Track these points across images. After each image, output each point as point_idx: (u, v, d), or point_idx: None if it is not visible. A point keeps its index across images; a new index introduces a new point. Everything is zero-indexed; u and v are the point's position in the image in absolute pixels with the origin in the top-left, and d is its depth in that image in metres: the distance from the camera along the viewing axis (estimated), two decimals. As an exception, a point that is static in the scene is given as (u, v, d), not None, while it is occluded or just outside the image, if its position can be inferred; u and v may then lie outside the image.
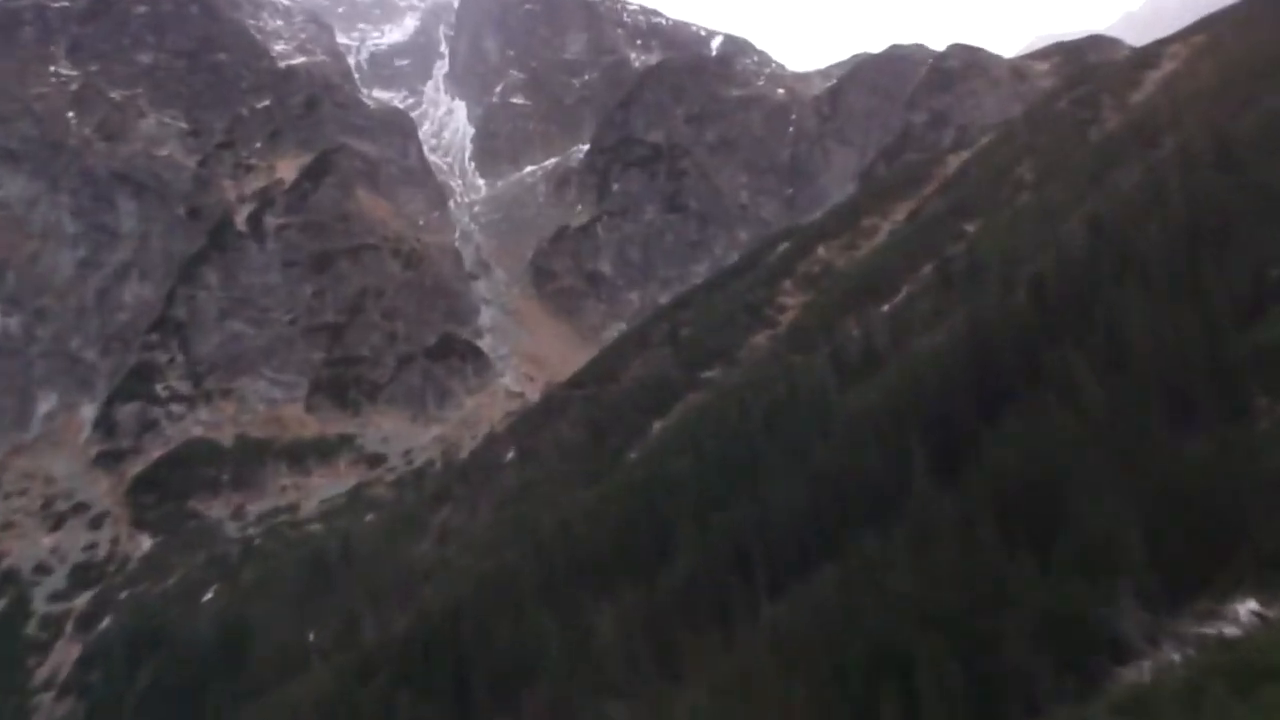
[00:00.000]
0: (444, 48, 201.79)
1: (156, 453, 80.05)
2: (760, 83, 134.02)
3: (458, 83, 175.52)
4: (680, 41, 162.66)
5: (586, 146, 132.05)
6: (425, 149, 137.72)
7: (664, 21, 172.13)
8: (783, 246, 71.67)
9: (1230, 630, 13.43)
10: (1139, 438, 18.88)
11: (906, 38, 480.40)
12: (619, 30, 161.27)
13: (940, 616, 16.23)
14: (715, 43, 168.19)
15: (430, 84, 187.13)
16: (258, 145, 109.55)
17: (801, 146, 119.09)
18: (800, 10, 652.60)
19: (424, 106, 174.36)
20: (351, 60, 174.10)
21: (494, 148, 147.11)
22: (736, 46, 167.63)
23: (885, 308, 47.04)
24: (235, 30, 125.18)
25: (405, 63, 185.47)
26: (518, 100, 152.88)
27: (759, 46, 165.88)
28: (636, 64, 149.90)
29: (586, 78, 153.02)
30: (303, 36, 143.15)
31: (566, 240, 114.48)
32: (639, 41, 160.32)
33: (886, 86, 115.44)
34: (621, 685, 22.22)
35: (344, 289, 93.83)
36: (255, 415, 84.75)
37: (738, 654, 20.36)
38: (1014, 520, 18.50)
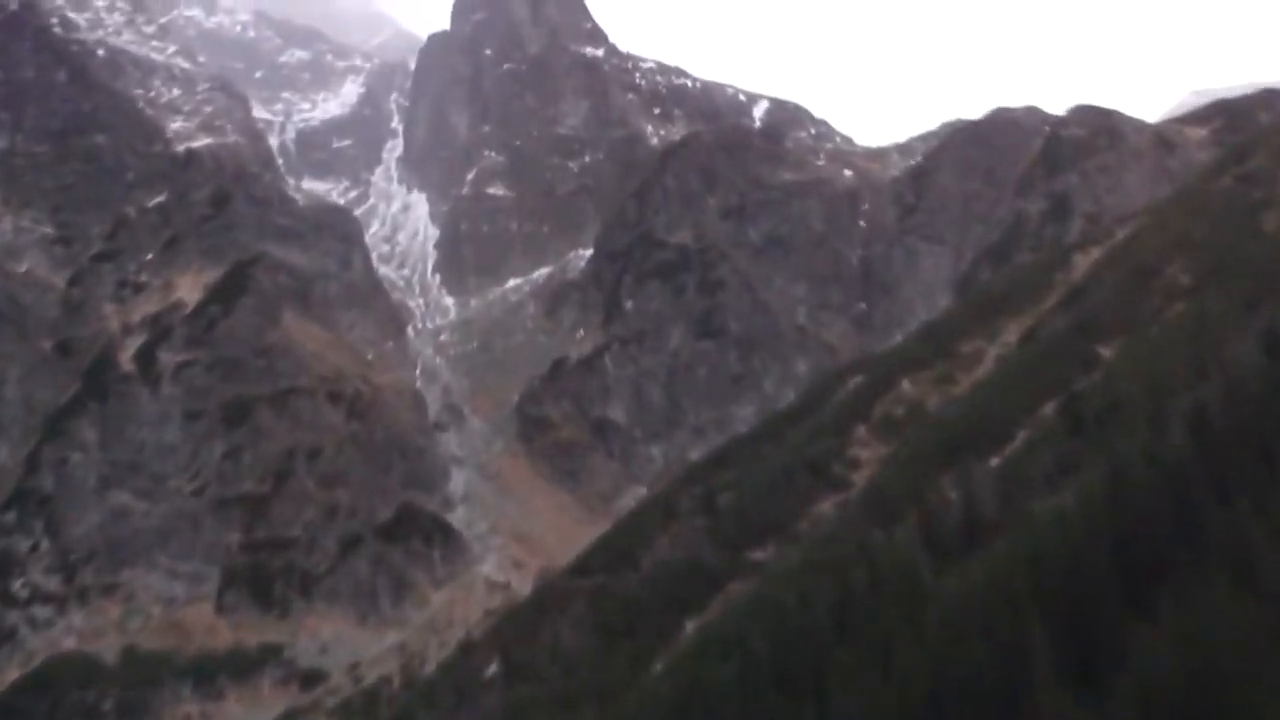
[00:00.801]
0: (397, 122, 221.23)
1: (14, 673, 79.81)
2: (820, 161, 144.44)
3: (416, 169, 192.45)
4: (713, 109, 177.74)
5: (589, 251, 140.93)
6: (374, 258, 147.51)
7: (690, 83, 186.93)
8: (854, 381, 74.62)
9: None
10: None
11: (1014, 98, 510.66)
12: (630, 95, 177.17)
13: None
14: (760, 109, 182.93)
15: (380, 171, 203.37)
16: (149, 257, 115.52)
17: (877, 247, 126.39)
18: (871, 65, 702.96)
19: (372, 201, 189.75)
20: (274, 141, 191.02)
21: (466, 255, 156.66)
22: (788, 114, 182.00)
23: (993, 461, 48.14)
24: (118, 103, 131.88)
25: (346, 143, 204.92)
26: (496, 191, 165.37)
27: (817, 114, 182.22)
28: (655, 140, 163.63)
29: (588, 159, 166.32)
30: (208, 110, 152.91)
31: (565, 377, 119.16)
32: (658, 110, 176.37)
33: (989, 164, 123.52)
34: None
35: (267, 448, 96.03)
36: (148, 620, 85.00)
37: None
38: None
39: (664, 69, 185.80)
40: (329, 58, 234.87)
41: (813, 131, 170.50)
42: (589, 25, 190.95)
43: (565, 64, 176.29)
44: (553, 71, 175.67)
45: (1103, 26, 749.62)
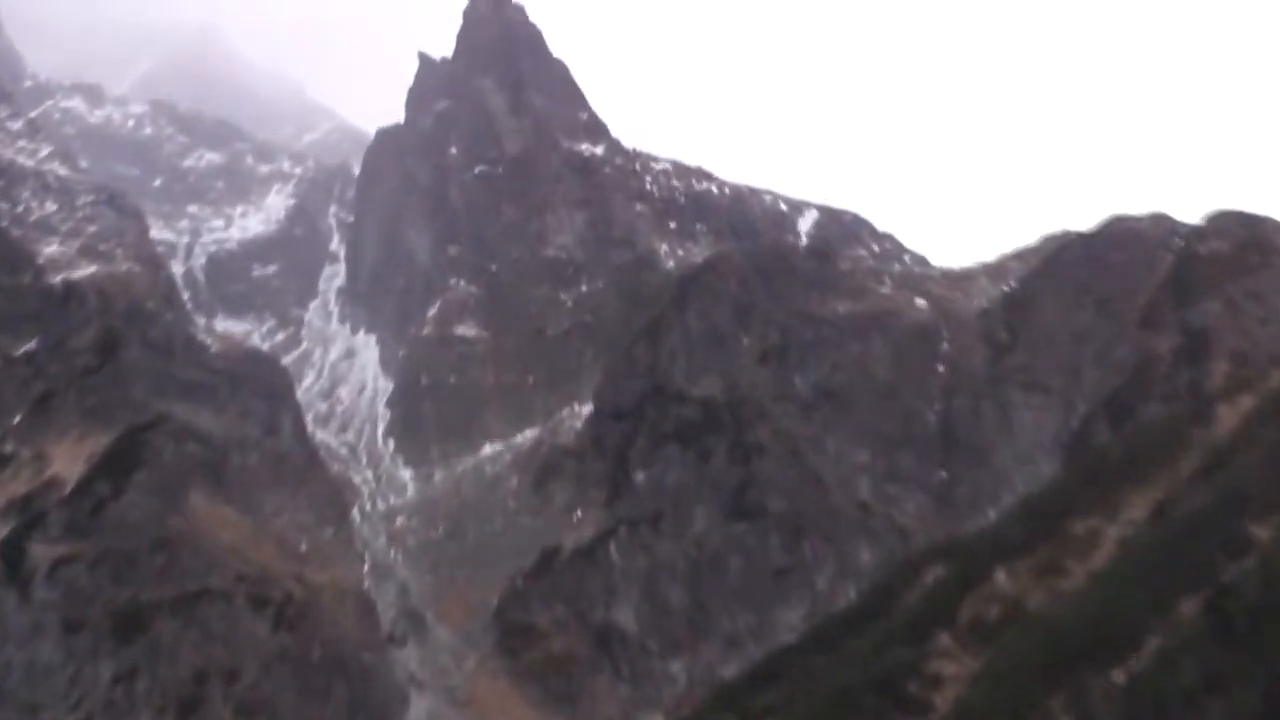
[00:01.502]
0: (337, 243, 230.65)
1: None
2: (886, 288, 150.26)
3: (363, 303, 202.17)
4: (746, 222, 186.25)
5: (588, 408, 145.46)
6: (309, 420, 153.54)
7: (715, 189, 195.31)
8: (934, 574, 76.25)
9: None
10: None
11: (1135, 203, 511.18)
12: (639, 206, 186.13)
13: None
14: (806, 221, 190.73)
15: (315, 307, 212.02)
16: (15, 421, 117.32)
17: (961, 399, 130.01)
18: (950, 163, 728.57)
19: (305, 346, 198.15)
20: (179, 269, 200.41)
21: (428, 415, 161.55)
22: (843, 227, 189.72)
23: (1117, 677, 50.19)
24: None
25: (271, 270, 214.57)
26: (467, 331, 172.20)
27: (881, 226, 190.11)
28: (671, 262, 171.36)
29: (585, 289, 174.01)
30: (92, 230, 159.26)
31: (557, 572, 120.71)
32: (675, 224, 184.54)
33: (1105, 289, 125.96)
34: None
35: (170, 670, 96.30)
36: None
37: None
38: None
39: (682, 171, 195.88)
40: (249, 160, 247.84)
41: (875, 249, 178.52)
42: (585, 116, 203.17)
43: (555, 166, 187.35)
44: (539, 175, 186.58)
45: (1246, 114, 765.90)
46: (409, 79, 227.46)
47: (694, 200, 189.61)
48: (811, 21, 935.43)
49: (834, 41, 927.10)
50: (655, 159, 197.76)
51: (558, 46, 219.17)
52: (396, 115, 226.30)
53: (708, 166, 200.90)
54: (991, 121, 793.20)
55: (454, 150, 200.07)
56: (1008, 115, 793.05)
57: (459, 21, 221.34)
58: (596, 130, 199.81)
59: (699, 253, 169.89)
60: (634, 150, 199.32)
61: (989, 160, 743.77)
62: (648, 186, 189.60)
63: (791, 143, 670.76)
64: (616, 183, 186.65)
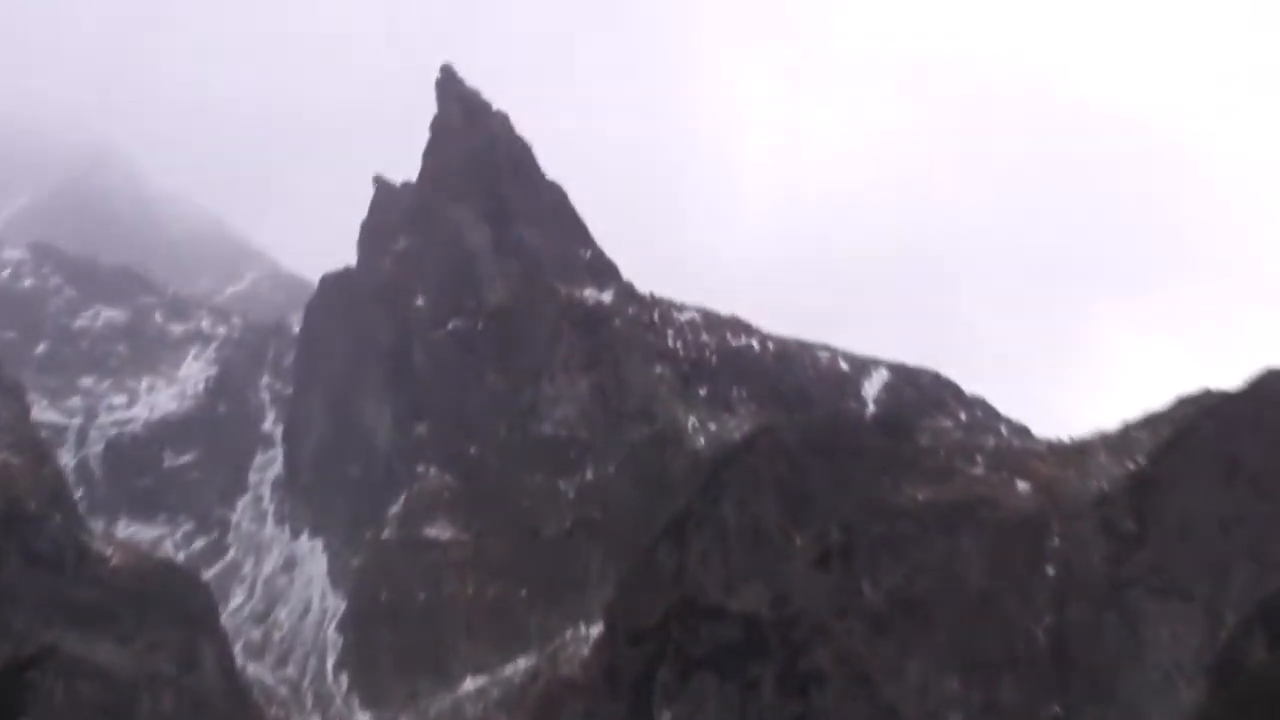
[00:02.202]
0: (272, 422, 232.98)
1: None
2: (977, 468, 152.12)
3: (307, 499, 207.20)
4: (797, 386, 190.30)
5: (597, 628, 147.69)
6: (238, 650, 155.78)
7: (756, 345, 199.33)
8: None
9: None
10: None
11: None
12: (658, 368, 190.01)
13: None
14: (874, 383, 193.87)
15: (245, 505, 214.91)
16: None
17: (1077, 609, 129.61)
18: (1055, 302, 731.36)
19: (232, 555, 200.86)
20: (69, 458, 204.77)
21: (390, 643, 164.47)
22: (922, 391, 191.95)
23: None
24: None
25: (187, 458, 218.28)
26: (440, 533, 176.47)
27: (969, 388, 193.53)
28: (702, 439, 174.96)
29: (591, 475, 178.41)
30: None
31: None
32: (705, 390, 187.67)
33: (1259, 463, 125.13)
34: None
35: None
36: None
37: None
38: None
39: (714, 322, 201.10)
40: (158, 319, 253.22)
41: (963, 418, 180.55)
42: (588, 253, 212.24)
43: (551, 318, 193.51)
44: (531, 332, 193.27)
45: None
46: (361, 210, 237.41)
47: (729, 359, 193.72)
48: (869, 127, 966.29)
49: (897, 151, 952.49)
50: (679, 307, 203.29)
51: (552, 165, 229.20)
52: (346, 257, 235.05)
53: (745, 315, 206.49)
54: (1104, 257, 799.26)
55: (420, 301, 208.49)
56: (1125, 248, 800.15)
57: (424, 135, 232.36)
58: (603, 272, 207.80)
59: (736, 427, 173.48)
60: (651, 296, 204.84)
61: (1104, 304, 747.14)
62: (670, 343, 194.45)
63: (851, 283, 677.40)
64: (630, 339, 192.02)
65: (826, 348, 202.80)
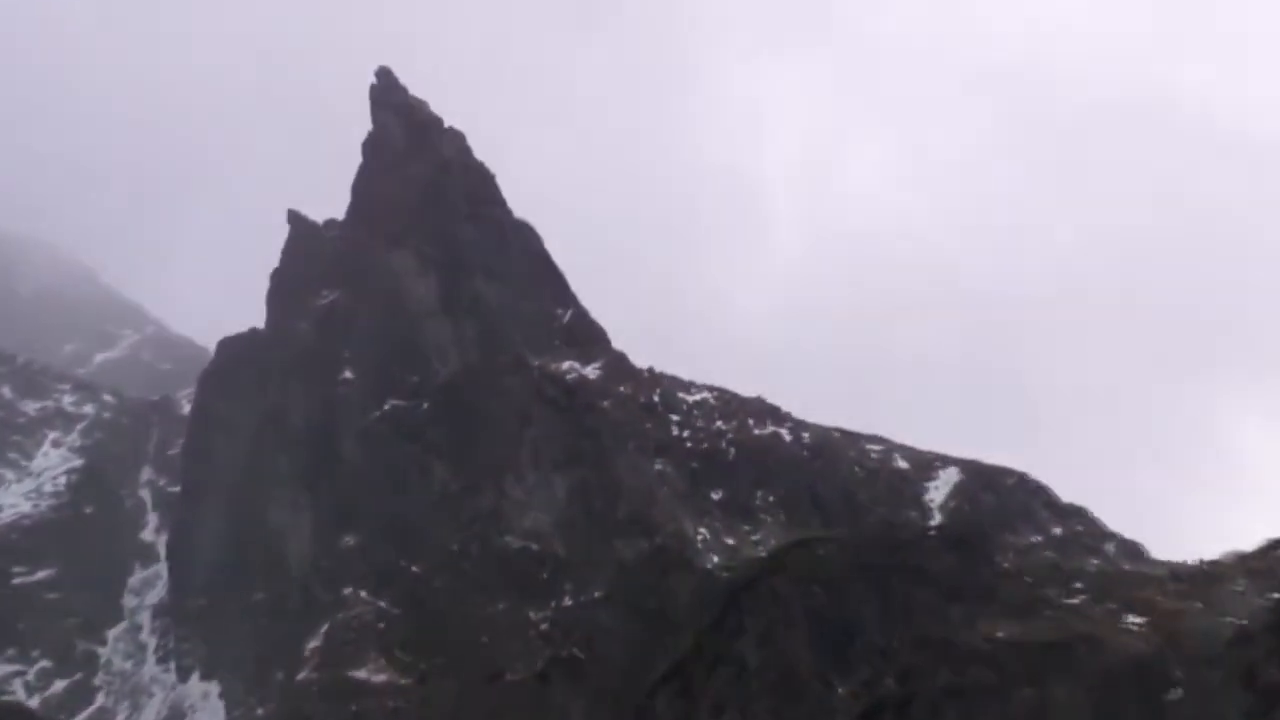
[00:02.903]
0: (153, 529, 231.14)
1: None
2: (1074, 598, 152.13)
3: (199, 628, 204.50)
4: (841, 487, 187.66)
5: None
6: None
7: (787, 434, 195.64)
8: None
9: None
10: None
11: None
12: (660, 464, 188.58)
13: None
14: (940, 487, 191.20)
15: (119, 634, 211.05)
16: None
17: None
18: (1173, 385, 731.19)
19: (101, 700, 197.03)
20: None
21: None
22: (1002, 497, 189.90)
23: None
24: None
25: (43, 574, 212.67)
26: (373, 674, 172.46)
27: (1065, 493, 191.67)
28: (715, 557, 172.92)
29: (570, 601, 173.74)
30: None
31: None
32: (718, 493, 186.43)
33: None
34: None
35: None
36: None
37: None
38: None
39: (731, 403, 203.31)
40: (6, 393, 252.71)
41: (1057, 532, 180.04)
42: (567, 314, 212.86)
43: (520, 397, 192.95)
44: (493, 414, 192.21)
45: None
46: (272, 257, 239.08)
47: (751, 453, 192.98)
48: (921, 147, 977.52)
49: (957, 178, 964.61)
50: (686, 385, 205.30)
51: (521, 198, 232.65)
52: (252, 316, 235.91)
53: (772, 396, 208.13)
54: (1235, 332, 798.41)
55: (349, 374, 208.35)
56: (1262, 321, 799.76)
57: (353, 159, 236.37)
58: (587, 338, 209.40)
59: (760, 542, 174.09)
60: (650, 371, 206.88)
61: (1235, 392, 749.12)
62: (674, 431, 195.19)
63: (908, 353, 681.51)
64: (622, 425, 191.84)
65: (878, 439, 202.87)
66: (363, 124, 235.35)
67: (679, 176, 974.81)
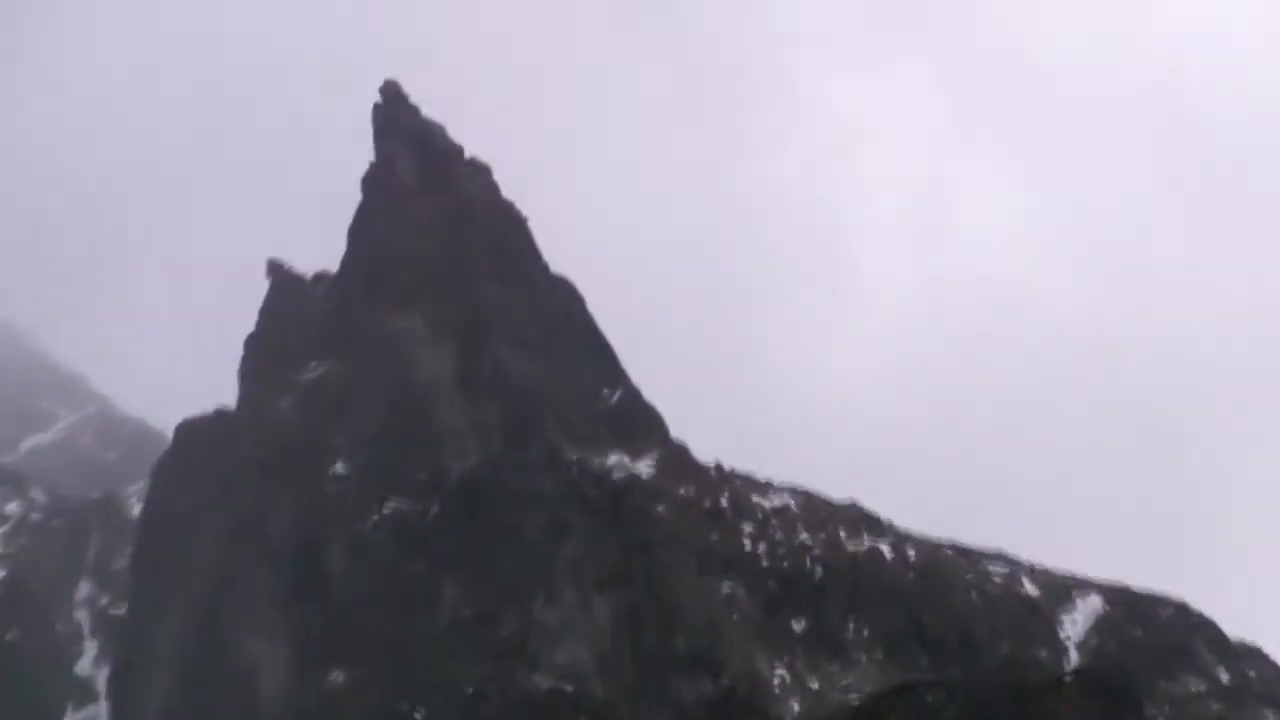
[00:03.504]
0: (92, 658, 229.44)
1: None
2: None
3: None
4: (956, 618, 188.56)
5: None
6: None
7: (888, 549, 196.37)
8: None
9: None
10: None
11: None
12: (726, 584, 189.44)
13: None
14: (1080, 617, 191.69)
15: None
16: None
17: None
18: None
19: None
20: None
21: None
22: (1157, 629, 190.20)
23: None
24: None
25: None
26: None
27: (1234, 629, 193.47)
28: (795, 704, 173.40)
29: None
30: None
31: None
32: (802, 621, 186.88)
33: None
34: None
35: None
36: None
37: None
38: None
39: (818, 510, 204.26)
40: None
41: (1223, 677, 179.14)
42: (615, 395, 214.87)
43: (553, 497, 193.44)
44: (518, 520, 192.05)
45: None
46: (246, 319, 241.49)
47: (842, 573, 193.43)
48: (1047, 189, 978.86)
49: (1097, 226, 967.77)
50: (762, 486, 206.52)
51: (562, 250, 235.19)
52: (221, 394, 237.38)
53: (869, 500, 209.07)
54: None
55: (340, 467, 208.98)
56: None
57: (350, 198, 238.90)
58: (639, 425, 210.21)
59: (854, 684, 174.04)
60: (717, 468, 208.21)
61: None
62: (747, 543, 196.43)
63: (1036, 446, 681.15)
64: (681, 535, 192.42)
65: (1002, 557, 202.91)
66: (362, 153, 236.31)
67: (754, 220, 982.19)
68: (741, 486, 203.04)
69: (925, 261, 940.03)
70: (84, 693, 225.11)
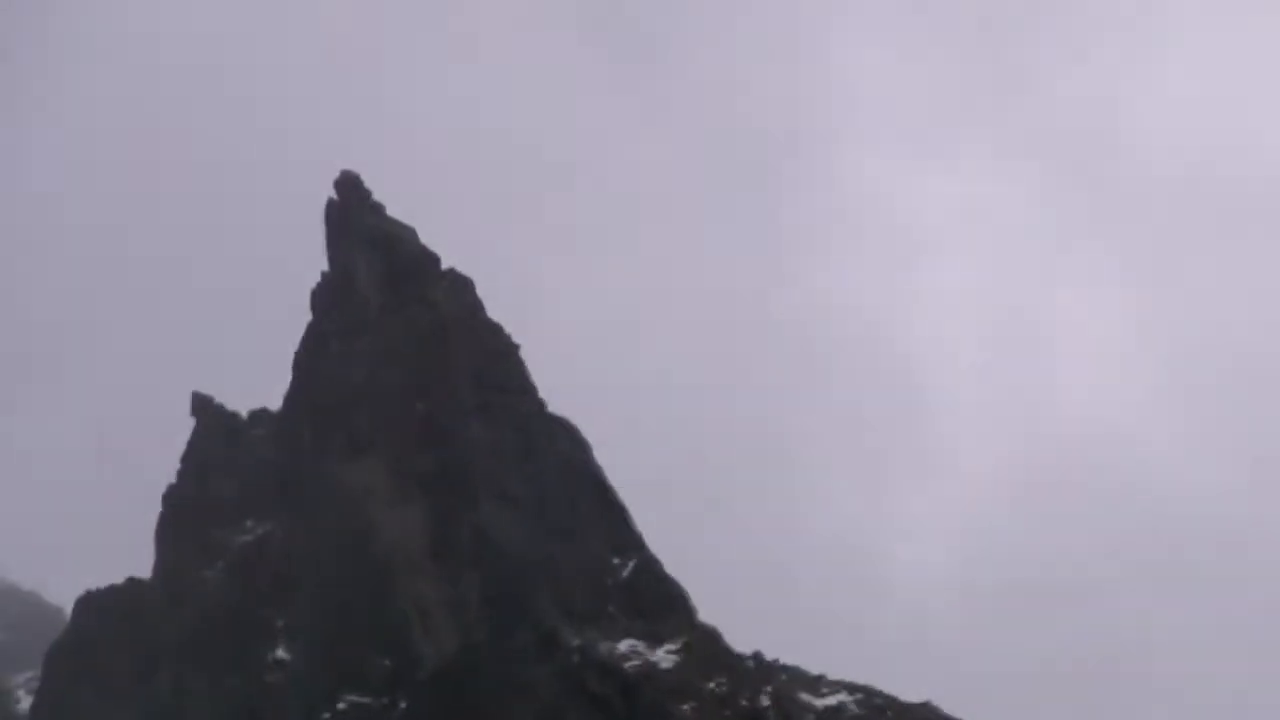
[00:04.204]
0: None
1: None
2: None
3: None
4: None
5: None
6: None
7: None
8: None
9: None
10: None
11: None
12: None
13: None
14: None
15: None
16: None
17: None
18: None
19: None
20: None
21: None
22: None
23: None
24: None
25: None
26: None
27: None
28: None
29: None
30: None
31: None
32: None
33: None
34: None
35: None
36: None
37: None
38: None
39: (885, 711, 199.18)
40: None
41: None
42: (626, 566, 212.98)
43: (549, 692, 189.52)
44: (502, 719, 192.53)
45: None
46: (165, 469, 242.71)
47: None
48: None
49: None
50: (812, 681, 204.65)
51: (561, 382, 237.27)
52: (131, 558, 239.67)
53: (947, 701, 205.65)
54: None
55: (282, 652, 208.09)
56: None
57: (297, 317, 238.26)
58: (659, 602, 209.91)
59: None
60: (755, 658, 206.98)
61: None
62: None
63: (1149, 640, 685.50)
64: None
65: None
66: (312, 261, 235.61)
67: (801, 346, 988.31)
68: (787, 682, 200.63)
69: (1007, 407, 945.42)
70: None
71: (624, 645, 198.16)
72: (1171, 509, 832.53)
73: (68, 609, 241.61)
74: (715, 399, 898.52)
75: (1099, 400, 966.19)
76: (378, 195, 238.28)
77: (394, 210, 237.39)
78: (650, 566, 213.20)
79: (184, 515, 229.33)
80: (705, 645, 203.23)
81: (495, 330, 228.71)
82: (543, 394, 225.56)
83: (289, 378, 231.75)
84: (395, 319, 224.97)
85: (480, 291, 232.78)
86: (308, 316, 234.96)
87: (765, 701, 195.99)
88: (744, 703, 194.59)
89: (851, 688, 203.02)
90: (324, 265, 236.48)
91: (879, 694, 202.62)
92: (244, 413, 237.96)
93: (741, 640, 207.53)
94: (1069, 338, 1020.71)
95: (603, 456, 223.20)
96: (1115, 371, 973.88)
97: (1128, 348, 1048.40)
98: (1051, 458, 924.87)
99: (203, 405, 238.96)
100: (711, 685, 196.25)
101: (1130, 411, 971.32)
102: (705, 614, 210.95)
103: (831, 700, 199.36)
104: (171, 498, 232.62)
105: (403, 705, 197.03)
